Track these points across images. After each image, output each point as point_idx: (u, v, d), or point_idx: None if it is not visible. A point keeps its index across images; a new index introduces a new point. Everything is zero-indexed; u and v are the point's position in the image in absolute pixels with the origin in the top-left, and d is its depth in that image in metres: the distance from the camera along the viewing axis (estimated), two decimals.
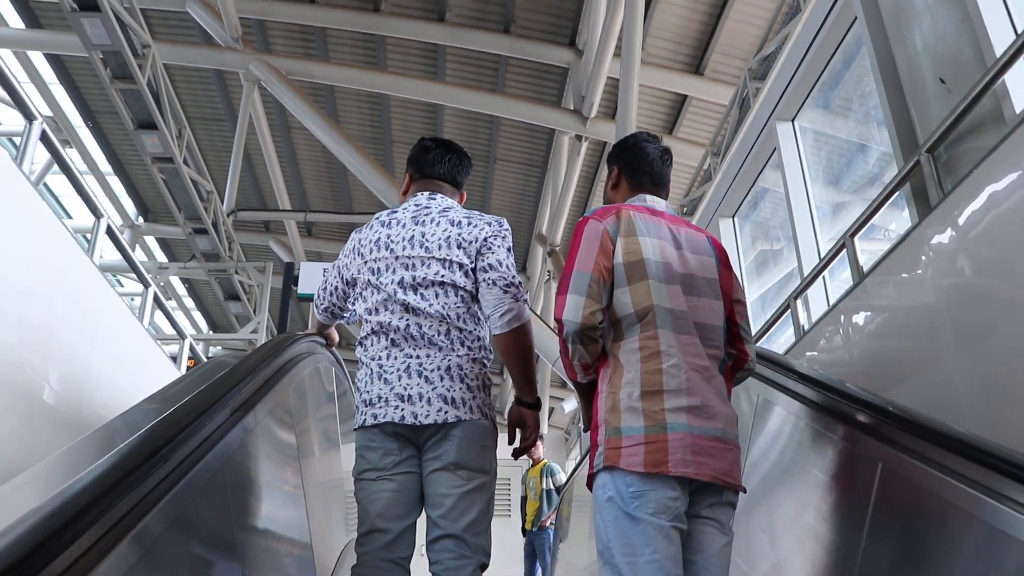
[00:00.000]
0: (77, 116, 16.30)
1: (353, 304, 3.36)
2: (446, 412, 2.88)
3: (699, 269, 2.75)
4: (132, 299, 21.94)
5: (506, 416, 3.12)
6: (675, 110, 14.42)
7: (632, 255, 2.65)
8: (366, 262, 3.10)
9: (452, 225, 3.07)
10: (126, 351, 6.92)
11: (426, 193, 3.22)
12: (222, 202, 13.31)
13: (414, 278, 3.00)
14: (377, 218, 3.20)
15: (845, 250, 5.19)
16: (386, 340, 2.99)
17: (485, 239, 3.04)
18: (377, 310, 3.02)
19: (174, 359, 8.39)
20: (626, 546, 2.45)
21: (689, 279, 2.71)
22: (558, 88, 14.95)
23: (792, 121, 6.71)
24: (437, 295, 2.99)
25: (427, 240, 3.04)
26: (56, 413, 5.42)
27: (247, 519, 2.70)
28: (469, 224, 3.07)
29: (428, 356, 2.95)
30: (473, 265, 3.03)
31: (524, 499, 10.81)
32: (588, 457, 2.69)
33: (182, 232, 12.42)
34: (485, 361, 3.08)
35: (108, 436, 2.02)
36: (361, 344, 3.09)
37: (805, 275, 6.24)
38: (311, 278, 10.47)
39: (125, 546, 1.65)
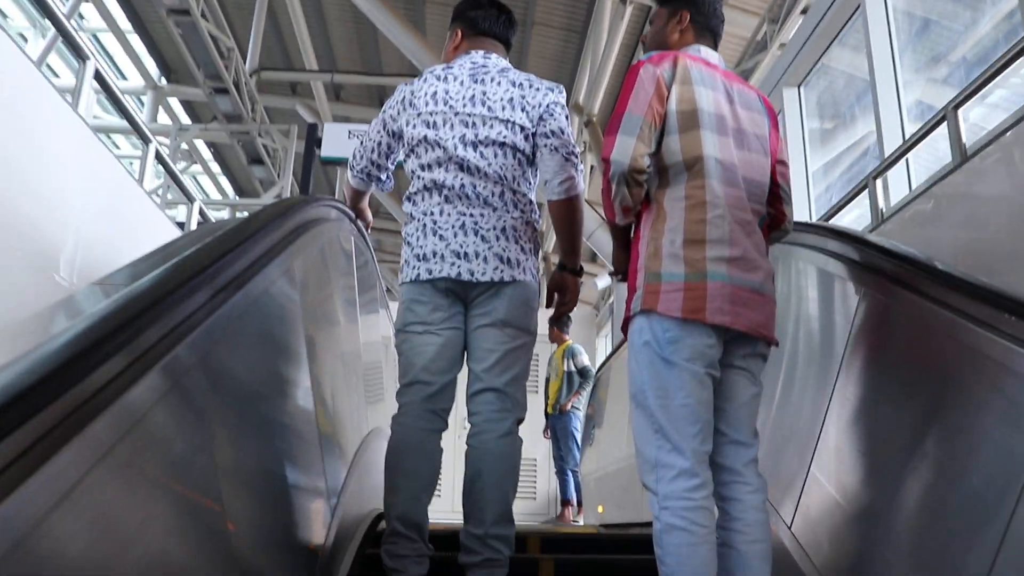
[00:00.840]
0: None
1: (397, 162, 3.34)
2: (502, 271, 2.95)
3: (750, 124, 2.72)
4: (131, 163, 21.50)
5: (547, 282, 3.14)
6: None
7: (686, 103, 2.61)
8: (420, 114, 3.06)
9: (514, 86, 3.05)
10: (120, 217, 6.23)
11: (481, 51, 3.18)
12: (244, 61, 12.51)
13: (476, 136, 2.99)
14: (431, 71, 3.14)
15: (946, 123, 4.44)
16: (439, 196, 3.00)
17: (548, 105, 3.03)
18: (431, 167, 3.02)
19: (182, 226, 7.77)
20: (660, 389, 2.49)
21: (740, 133, 2.68)
22: None
23: None
24: (496, 155, 3.00)
25: (489, 99, 3.03)
26: (33, 286, 4.82)
27: (233, 413, 2.14)
28: (531, 87, 3.06)
29: (483, 215, 2.98)
30: (534, 129, 3.02)
31: (548, 380, 10.37)
32: (625, 302, 2.69)
33: (203, 93, 11.69)
34: (536, 224, 3.11)
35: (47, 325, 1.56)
36: (410, 200, 3.08)
37: (887, 152, 5.49)
38: (335, 140, 9.82)
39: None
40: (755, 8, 13.32)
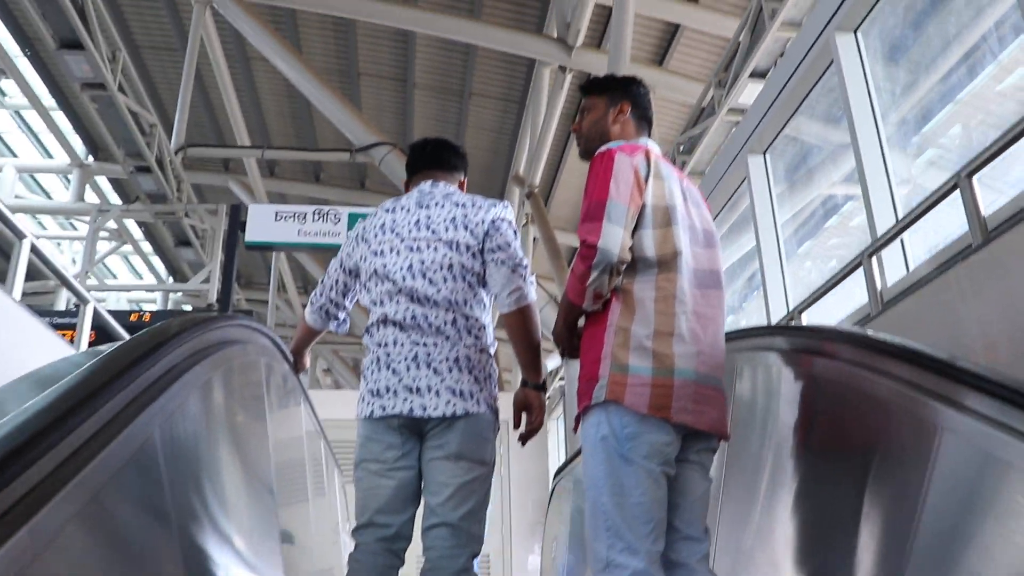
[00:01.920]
0: (14, 44, 14.47)
1: (353, 301, 3.31)
2: (454, 405, 2.87)
3: (699, 219, 2.75)
4: (59, 243, 20.41)
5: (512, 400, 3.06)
6: (666, 40, 12.93)
7: (660, 199, 2.62)
8: (370, 246, 3.07)
9: (457, 207, 3.05)
10: None
11: (428, 182, 3.20)
12: (171, 138, 11.70)
13: (422, 262, 2.97)
14: (382, 206, 3.19)
15: (959, 192, 3.77)
16: (393, 327, 2.94)
17: (492, 220, 3.02)
18: (383, 301, 2.98)
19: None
20: (616, 486, 2.45)
21: (694, 230, 2.71)
22: (539, 14, 13.35)
23: (855, 32, 5.24)
24: (445, 279, 2.96)
25: (433, 222, 3.03)
26: None
27: None
28: (474, 205, 3.06)
29: (436, 345, 2.91)
30: (480, 246, 3.00)
31: None
32: (578, 392, 2.64)
33: (122, 171, 10.83)
34: (490, 350, 3.02)
35: None
36: (368, 332, 3.01)
37: (878, 226, 4.81)
38: (261, 223, 9.11)
39: None
40: (699, 75, 12.86)
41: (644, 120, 2.91)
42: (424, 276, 2.94)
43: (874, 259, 4.49)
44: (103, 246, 18.30)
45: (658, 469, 2.45)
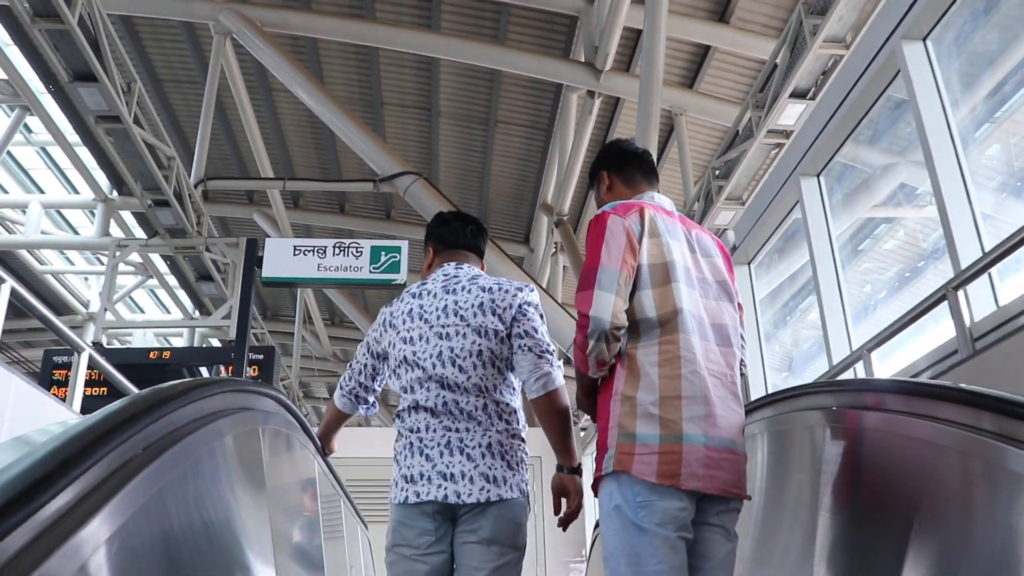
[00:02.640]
0: (38, 81, 14.16)
1: (382, 384, 3.28)
2: (488, 491, 2.82)
3: (711, 271, 2.70)
4: (87, 279, 20.07)
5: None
6: (696, 62, 12.42)
7: (657, 257, 2.58)
8: (399, 333, 3.03)
9: (484, 291, 3.01)
10: None
11: (452, 263, 3.17)
12: (190, 171, 11.29)
13: (451, 349, 2.92)
14: (407, 291, 3.15)
15: None
16: (425, 413, 2.91)
17: (519, 305, 2.97)
18: (413, 388, 2.93)
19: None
20: (632, 556, 2.41)
21: (704, 282, 2.66)
22: (566, 38, 12.89)
23: (924, 40, 4.69)
24: (475, 366, 2.90)
25: (461, 307, 2.99)
26: None
27: None
28: (500, 290, 3.01)
29: (468, 430, 2.88)
30: (508, 331, 2.95)
31: None
32: (595, 458, 2.58)
33: (140, 205, 10.41)
34: (522, 435, 2.98)
35: None
36: (399, 416, 2.99)
37: (961, 257, 4.23)
38: (279, 258, 8.63)
39: None
40: (731, 96, 12.34)
41: (637, 174, 2.89)
42: (454, 363, 2.90)
43: (960, 293, 3.92)
44: (129, 280, 18.12)
45: (674, 536, 2.40)
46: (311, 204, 17.69)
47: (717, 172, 10.19)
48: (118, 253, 11.10)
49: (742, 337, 2.75)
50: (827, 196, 5.54)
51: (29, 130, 16.39)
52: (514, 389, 3.01)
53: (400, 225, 17.34)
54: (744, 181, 9.84)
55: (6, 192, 17.70)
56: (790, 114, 8.79)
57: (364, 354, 3.18)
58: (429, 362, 2.91)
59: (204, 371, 10.17)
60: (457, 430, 2.87)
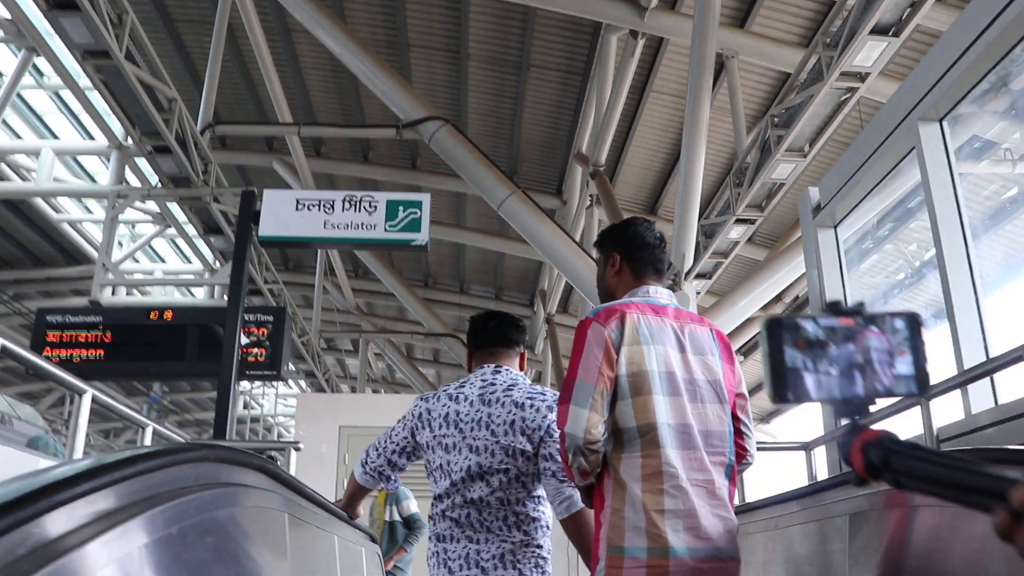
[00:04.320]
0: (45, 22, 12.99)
1: (412, 460, 3.38)
2: None
3: (703, 371, 2.63)
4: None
5: None
6: (747, 0, 11.08)
7: (636, 365, 2.54)
8: (435, 436, 3.14)
9: (516, 408, 3.11)
10: None
11: (491, 366, 3.26)
12: (198, 115, 10.17)
13: (480, 465, 3.05)
14: (445, 390, 3.23)
15: None
16: (451, 523, 3.06)
17: (548, 428, 3.06)
18: (443, 497, 3.08)
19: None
20: None
21: (693, 384, 2.60)
22: None
23: None
24: (500, 482, 3.04)
25: (493, 422, 3.09)
26: None
27: None
28: (532, 407, 3.10)
29: (485, 541, 3.03)
30: (535, 451, 3.06)
31: None
32: (589, 567, 2.70)
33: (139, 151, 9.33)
34: (542, 542, 3.10)
35: None
36: (431, 519, 3.12)
37: None
38: (278, 213, 7.34)
39: None
40: (786, 38, 11.00)
41: (646, 265, 2.82)
42: (482, 478, 3.03)
43: None
44: (147, 229, 17.09)
45: None
46: (333, 152, 16.53)
47: (776, 120, 8.93)
48: (118, 203, 10.00)
49: (744, 425, 2.72)
50: (951, 145, 4.35)
51: (40, 73, 15.29)
52: (539, 498, 3.11)
53: (426, 175, 16.17)
54: (808, 131, 8.59)
55: (19, 137, 16.65)
56: (868, 54, 7.52)
57: (404, 437, 3.27)
58: (459, 475, 3.03)
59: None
60: (476, 541, 3.03)
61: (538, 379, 21.08)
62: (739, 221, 9.73)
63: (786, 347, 1.57)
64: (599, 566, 2.52)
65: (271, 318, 9.29)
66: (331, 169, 16.64)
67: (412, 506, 7.34)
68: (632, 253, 2.81)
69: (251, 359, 9.06)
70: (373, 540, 5.02)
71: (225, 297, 14.58)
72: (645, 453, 2.49)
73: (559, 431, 2.53)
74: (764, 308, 12.09)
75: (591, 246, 13.95)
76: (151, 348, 8.68)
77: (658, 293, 2.75)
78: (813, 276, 5.61)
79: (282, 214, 7.21)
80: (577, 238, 14.05)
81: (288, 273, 19.59)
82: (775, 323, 1.59)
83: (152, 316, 8.95)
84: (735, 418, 2.69)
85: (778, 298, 13.93)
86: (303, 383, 26.23)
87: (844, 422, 1.53)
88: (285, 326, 9.29)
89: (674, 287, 9.86)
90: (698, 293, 10.32)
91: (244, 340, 9.02)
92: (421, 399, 3.27)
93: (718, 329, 2.81)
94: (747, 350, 17.03)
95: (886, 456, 1.35)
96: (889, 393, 1.54)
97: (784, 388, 1.55)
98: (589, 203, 13.90)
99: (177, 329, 8.74)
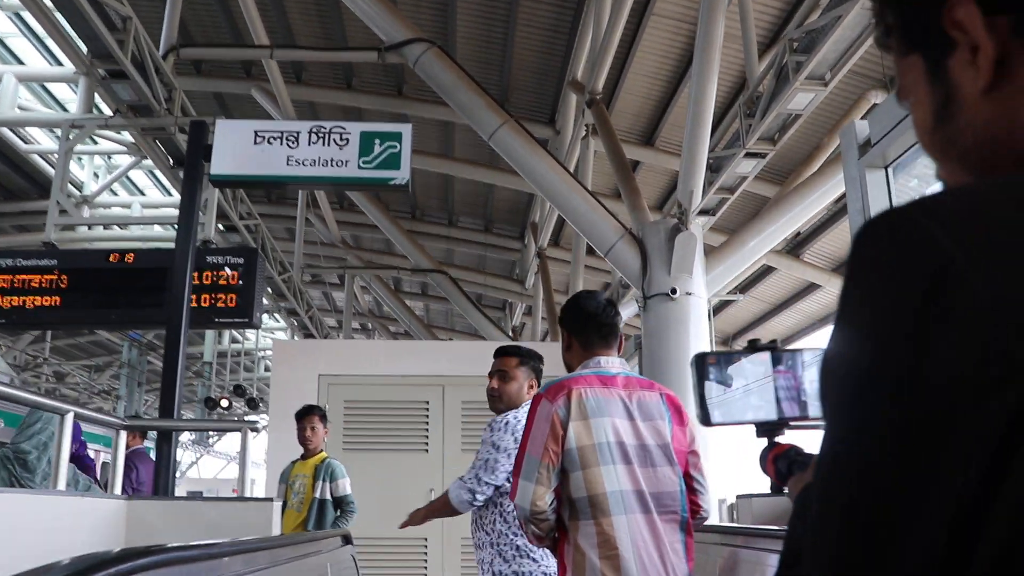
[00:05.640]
0: None
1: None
2: None
3: (652, 436, 2.80)
4: (80, 158, 17.91)
5: None
6: None
7: (585, 439, 2.70)
8: None
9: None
10: None
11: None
12: (158, 37, 9.13)
13: None
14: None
15: None
16: None
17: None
18: None
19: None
20: None
21: (643, 450, 2.76)
22: None
23: None
24: None
25: None
26: None
27: None
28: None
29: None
30: None
31: (283, 506, 6.42)
32: None
33: (91, 75, 8.31)
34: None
35: None
36: None
37: None
38: (234, 147, 6.20)
39: None
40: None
41: (595, 337, 2.99)
42: None
43: None
44: (123, 160, 16.05)
45: None
46: (315, 79, 15.42)
47: (796, 45, 7.96)
48: (73, 134, 9.00)
49: (697, 482, 2.88)
50: None
51: None
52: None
53: (414, 103, 15.11)
54: (832, 57, 7.64)
55: None
56: None
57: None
58: None
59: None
60: None
61: (529, 313, 20.35)
62: (749, 155, 8.85)
63: (711, 378, 1.85)
64: None
65: (242, 260, 8.35)
66: (313, 97, 15.56)
67: (348, 486, 6.49)
68: (577, 328, 3.03)
69: (220, 304, 8.16)
70: (347, 540, 4.23)
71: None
72: (597, 521, 2.68)
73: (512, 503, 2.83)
74: (776, 250, 11.26)
75: (585, 178, 13.13)
76: (112, 294, 7.81)
77: (609, 364, 2.94)
78: (857, 222, 4.78)
79: (238, 149, 6.15)
80: (571, 169, 13.13)
81: (269, 205, 18.60)
82: (701, 358, 1.87)
83: (112, 259, 8.05)
84: (688, 476, 2.87)
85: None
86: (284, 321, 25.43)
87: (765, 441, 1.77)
88: (258, 268, 8.36)
89: (680, 226, 9.01)
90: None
91: (212, 284, 8.14)
92: None
93: (668, 393, 2.98)
94: (745, 287, 16.22)
95: (790, 466, 1.65)
96: (797, 417, 1.81)
97: (709, 414, 1.83)
98: (584, 133, 12.96)
99: (140, 273, 7.85)
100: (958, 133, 0.72)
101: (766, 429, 1.80)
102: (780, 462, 1.67)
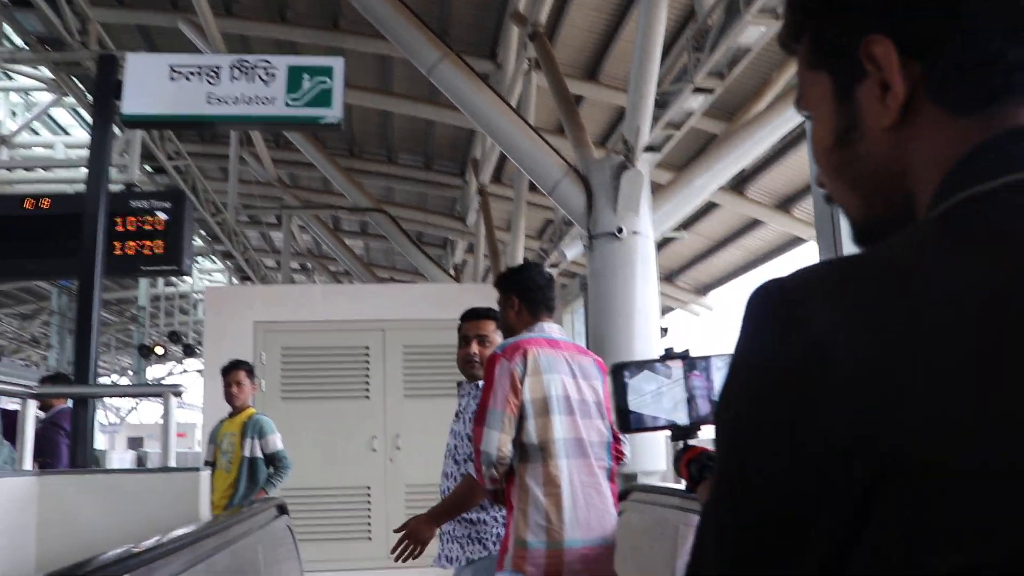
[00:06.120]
0: None
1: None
2: None
3: (590, 393, 3.23)
4: None
5: None
6: None
7: (537, 392, 3.08)
8: None
9: None
10: None
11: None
12: None
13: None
14: None
15: None
16: None
17: None
18: None
19: None
20: None
21: (583, 404, 3.18)
22: None
23: None
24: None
25: None
26: None
27: None
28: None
29: None
30: None
31: (211, 466, 6.19)
32: (499, 553, 3.17)
33: None
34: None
35: None
36: None
37: None
38: (147, 83, 5.59)
39: None
40: None
41: (541, 307, 3.38)
42: None
43: None
44: (44, 97, 15.19)
45: None
46: (245, 11, 14.66)
47: None
48: None
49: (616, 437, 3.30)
50: None
51: None
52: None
53: (351, 36, 14.46)
54: None
55: None
56: None
57: None
58: None
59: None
60: None
61: (470, 251, 20.01)
62: (697, 90, 8.52)
63: (628, 386, 2.00)
64: (507, 555, 3.05)
65: (168, 204, 7.81)
66: (244, 30, 14.80)
67: (278, 441, 6.18)
68: (528, 296, 3.38)
69: (147, 252, 7.65)
70: (282, 510, 3.93)
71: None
72: (544, 463, 3.05)
73: (476, 449, 3.06)
74: (725, 188, 10.99)
75: (528, 113, 12.71)
76: (27, 242, 7.26)
77: (551, 329, 3.34)
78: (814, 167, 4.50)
79: (152, 85, 5.53)
80: (513, 104, 12.69)
81: (200, 144, 17.83)
82: (619, 368, 2.04)
83: (27, 205, 7.49)
84: (613, 427, 3.21)
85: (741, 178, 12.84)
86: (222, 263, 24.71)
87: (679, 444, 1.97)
88: (186, 212, 7.85)
89: (627, 164, 8.71)
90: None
91: (137, 231, 7.62)
92: None
93: (599, 359, 3.44)
94: (688, 223, 15.99)
95: (701, 470, 1.78)
96: (708, 421, 1.98)
97: (628, 420, 2.02)
98: (527, 67, 12.51)
99: (56, 220, 7.32)
100: (856, 159, 0.76)
101: (680, 433, 1.97)
102: (692, 466, 1.84)
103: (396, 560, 3.44)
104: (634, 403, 1.98)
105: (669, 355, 2.03)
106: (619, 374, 1.99)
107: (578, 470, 3.06)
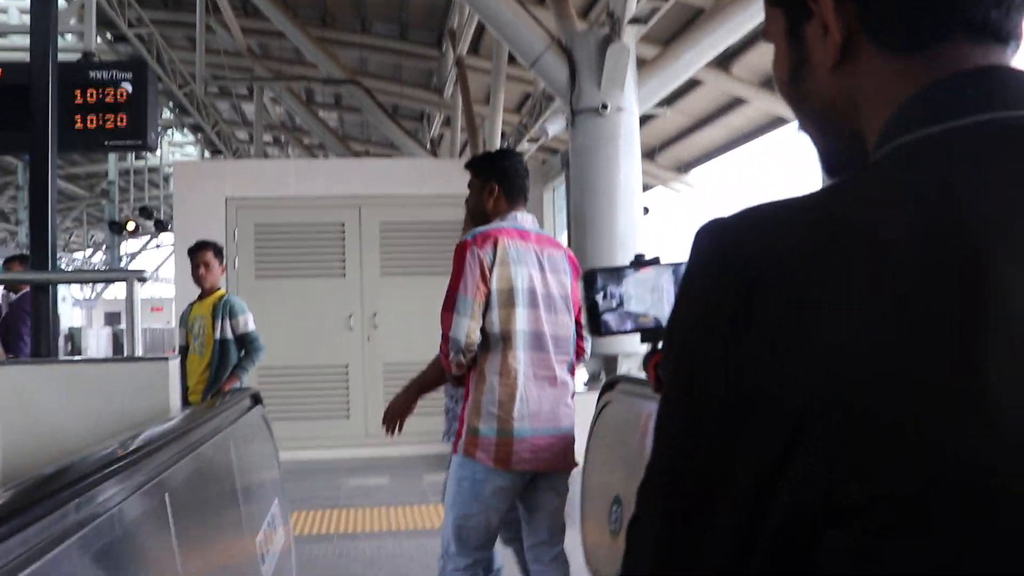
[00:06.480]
0: None
1: None
2: None
3: (557, 287, 3.28)
4: None
5: None
6: None
7: (504, 283, 3.11)
8: None
9: None
10: None
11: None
12: None
13: None
14: None
15: None
16: None
17: None
18: None
19: None
20: (463, 516, 3.14)
21: (549, 298, 3.24)
22: None
23: None
24: None
25: None
26: None
27: None
28: None
29: None
30: None
31: (184, 350, 6.14)
32: (454, 437, 3.30)
33: None
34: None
35: None
36: None
37: None
38: None
39: None
40: None
41: (517, 192, 3.38)
42: None
43: None
44: None
45: (496, 505, 3.15)
46: None
47: None
48: None
49: (584, 328, 3.31)
50: None
51: None
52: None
53: None
54: None
55: None
56: None
57: None
58: None
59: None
60: None
61: (447, 124, 19.55)
62: None
63: (599, 292, 2.06)
64: (460, 440, 3.16)
65: (130, 74, 7.38)
66: None
67: (250, 322, 5.97)
68: (508, 183, 3.36)
69: (109, 126, 7.26)
70: (256, 400, 3.76)
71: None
72: (503, 353, 3.12)
73: (443, 335, 3.09)
74: (710, 64, 10.57)
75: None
76: None
77: (524, 219, 3.33)
78: None
79: None
80: None
81: (164, 11, 17.02)
82: (591, 274, 2.11)
83: None
84: (578, 323, 3.36)
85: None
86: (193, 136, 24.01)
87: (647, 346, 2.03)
88: (149, 83, 7.42)
89: (612, 36, 8.32)
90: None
91: (97, 103, 7.20)
92: None
93: (570, 253, 3.48)
94: (671, 99, 15.59)
95: None
96: None
97: (599, 324, 2.08)
98: None
99: (9, 91, 6.88)
100: (809, 94, 0.79)
101: (649, 335, 2.05)
102: (660, 369, 1.80)
103: (387, 434, 3.54)
104: (605, 308, 2.07)
105: (640, 262, 2.11)
106: (591, 280, 2.07)
107: (535, 363, 3.14)
